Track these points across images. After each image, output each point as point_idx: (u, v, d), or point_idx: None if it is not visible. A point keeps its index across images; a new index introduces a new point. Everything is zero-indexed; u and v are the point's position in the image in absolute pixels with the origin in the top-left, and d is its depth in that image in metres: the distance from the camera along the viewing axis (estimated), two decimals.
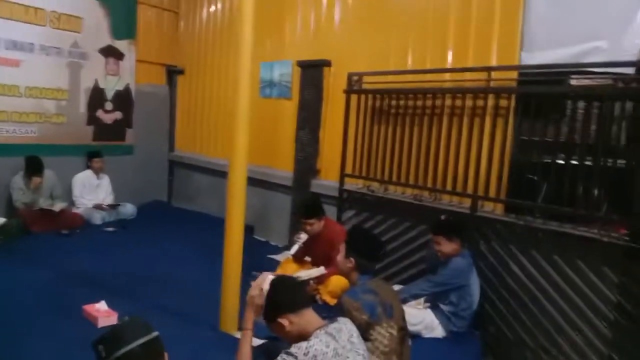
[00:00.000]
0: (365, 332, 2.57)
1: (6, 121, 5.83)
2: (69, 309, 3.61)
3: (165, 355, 1.71)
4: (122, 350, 1.59)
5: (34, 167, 5.69)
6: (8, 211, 5.62)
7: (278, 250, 5.64)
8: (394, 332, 2.63)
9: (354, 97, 4.78)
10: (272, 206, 6.04)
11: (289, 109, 5.78)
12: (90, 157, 6.41)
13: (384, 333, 2.59)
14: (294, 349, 1.98)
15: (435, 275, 3.61)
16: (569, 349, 3.35)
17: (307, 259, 4.55)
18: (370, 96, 4.67)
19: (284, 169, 5.84)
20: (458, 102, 4.09)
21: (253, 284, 2.30)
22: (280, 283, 2.20)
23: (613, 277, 3.17)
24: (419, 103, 4.35)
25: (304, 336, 2.05)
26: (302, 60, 5.43)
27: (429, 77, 4.26)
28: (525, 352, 3.56)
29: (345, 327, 2.12)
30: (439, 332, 3.54)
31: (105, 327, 3.38)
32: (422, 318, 3.53)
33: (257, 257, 4.94)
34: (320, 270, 4.10)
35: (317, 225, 4.25)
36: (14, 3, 5.74)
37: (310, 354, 1.94)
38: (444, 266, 3.57)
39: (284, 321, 2.08)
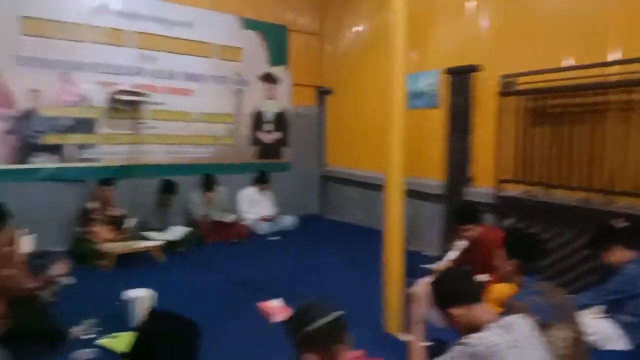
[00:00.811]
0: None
1: (184, 144, 6.66)
2: (245, 306, 4.00)
3: (348, 335, 1.83)
4: (310, 327, 1.75)
5: (208, 183, 6.42)
6: (187, 223, 6.37)
7: (430, 260, 5.61)
8: (568, 335, 2.50)
9: (507, 100, 4.64)
10: (423, 216, 6.04)
11: (436, 117, 5.79)
12: (259, 181, 7.00)
13: (558, 336, 2.47)
14: (467, 339, 1.99)
15: (606, 283, 3.33)
16: None
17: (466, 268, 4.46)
18: (525, 97, 4.50)
19: (433, 178, 5.83)
20: (627, 96, 3.77)
21: (419, 281, 2.35)
22: (454, 272, 2.23)
23: None
24: (581, 100, 4.09)
25: (474, 328, 2.04)
26: (450, 67, 5.42)
27: (589, 72, 3.99)
28: None
29: (519, 321, 2.08)
30: (622, 344, 3.24)
31: (279, 322, 3.70)
32: (599, 328, 3.27)
33: (409, 267, 4.97)
34: (483, 277, 4.01)
35: (474, 231, 4.17)
36: (190, 40, 6.58)
37: (483, 344, 1.93)
38: (616, 273, 3.29)
39: (455, 311, 2.10)
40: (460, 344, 2.01)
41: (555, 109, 4.31)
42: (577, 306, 3.35)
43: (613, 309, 3.33)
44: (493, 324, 2.02)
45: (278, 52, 7.48)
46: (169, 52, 6.44)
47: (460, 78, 5.30)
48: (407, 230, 6.04)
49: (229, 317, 3.83)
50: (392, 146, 3.52)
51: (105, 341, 3.26)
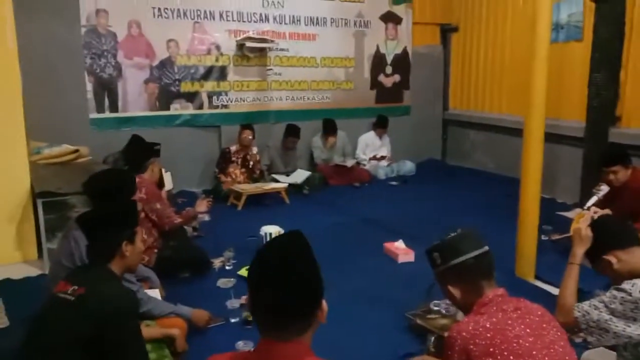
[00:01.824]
0: None
1: (307, 90, 6.75)
2: (371, 246, 4.06)
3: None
4: (457, 260, 1.69)
5: (329, 128, 6.49)
6: (310, 166, 6.54)
7: (567, 207, 5.24)
8: None
9: None
10: (559, 161, 5.60)
11: (579, 51, 5.23)
12: (378, 126, 6.92)
13: None
14: (626, 285, 1.80)
15: None
16: None
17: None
18: None
19: (572, 119, 5.34)
20: None
21: (581, 220, 2.15)
22: (607, 220, 2.04)
23: None
24: None
25: (635, 275, 1.86)
26: None
27: None
28: None
29: None
30: None
31: (404, 263, 3.72)
32: None
33: (544, 214, 4.68)
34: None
35: (622, 173, 3.75)
36: None
37: None
38: None
39: (611, 258, 1.92)
40: (617, 288, 1.83)
41: None
42: None
43: None
44: None
45: None
46: None
47: (609, 4, 4.68)
48: (542, 176, 5.72)
49: (357, 254, 3.94)
50: (534, 86, 3.25)
51: (243, 271, 3.51)
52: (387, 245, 3.91)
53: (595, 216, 2.05)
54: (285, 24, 6.47)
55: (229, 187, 5.47)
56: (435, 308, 2.71)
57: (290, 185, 5.69)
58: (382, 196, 5.87)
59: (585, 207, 4.19)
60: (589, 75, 4.98)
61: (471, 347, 1.51)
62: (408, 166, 6.92)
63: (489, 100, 6.99)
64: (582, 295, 2.27)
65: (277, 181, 5.75)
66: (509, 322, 1.56)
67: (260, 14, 6.31)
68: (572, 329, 1.93)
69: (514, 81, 6.19)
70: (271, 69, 6.45)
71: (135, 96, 5.77)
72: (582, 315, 1.87)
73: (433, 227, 4.56)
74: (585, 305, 1.89)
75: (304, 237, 1.23)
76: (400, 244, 3.83)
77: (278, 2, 6.38)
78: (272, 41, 6.27)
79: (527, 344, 1.51)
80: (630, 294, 1.78)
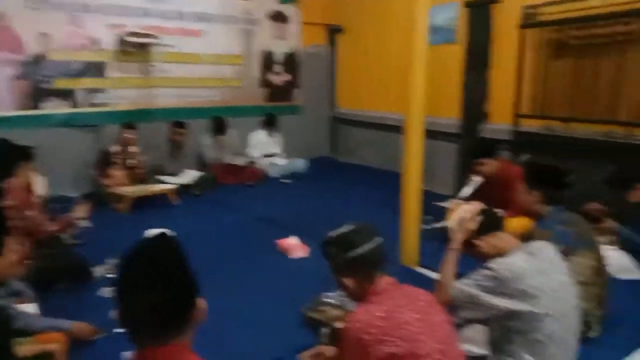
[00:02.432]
0: None
1: (193, 87, 6.56)
2: (263, 244, 4.05)
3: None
4: (353, 253, 1.75)
5: (219, 126, 6.37)
6: (200, 166, 6.37)
7: (444, 198, 5.61)
8: (593, 262, 2.51)
9: (529, 32, 4.49)
10: (436, 155, 5.97)
11: (454, 53, 5.62)
12: (267, 124, 6.91)
13: (582, 262, 2.48)
14: (491, 263, 1.98)
15: None
16: None
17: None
18: (548, 29, 4.34)
19: (447, 117, 5.74)
20: None
21: (463, 208, 2.30)
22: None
23: None
24: (605, 30, 3.94)
25: (500, 255, 2.04)
26: (469, 0, 5.21)
27: (613, 0, 3.81)
28: None
29: (546, 247, 2.07)
30: (637, 273, 3.27)
31: (297, 259, 3.76)
32: (617, 259, 3.29)
33: (424, 205, 5.00)
34: (498, 213, 4.00)
35: (490, 165, 4.12)
36: None
37: (509, 268, 1.92)
38: None
39: (481, 242, 2.10)
40: (485, 267, 2.01)
41: (578, 40, 4.16)
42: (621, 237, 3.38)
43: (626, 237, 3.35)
44: (519, 250, 2.02)
45: None
46: None
47: (480, 11, 5.11)
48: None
49: (248, 253, 3.90)
50: (413, 85, 3.43)
51: None
52: (280, 241, 3.92)
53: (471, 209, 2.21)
54: (169, 18, 6.24)
55: (112, 190, 5.16)
56: (328, 300, 2.77)
57: (181, 186, 5.51)
58: (275, 194, 5.88)
59: (460, 197, 4.56)
60: (462, 76, 5.40)
61: (364, 336, 1.59)
62: (299, 164, 6.99)
63: (374, 99, 7.27)
64: (460, 278, 2.46)
65: (164, 183, 5.52)
66: (399, 308, 1.65)
67: (144, 9, 6.02)
68: (454, 310, 2.08)
69: (397, 81, 6.48)
70: (155, 66, 6.19)
71: (2, 94, 5.23)
72: (456, 292, 2.03)
73: (325, 223, 4.58)
74: (458, 283, 2.05)
75: (171, 237, 1.20)
76: (292, 240, 3.87)
77: None
78: (155, 36, 6.00)
79: (414, 329, 1.61)
80: (495, 271, 1.95)
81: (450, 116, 5.67)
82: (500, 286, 1.92)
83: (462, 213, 2.21)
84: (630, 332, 2.76)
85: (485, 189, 4.29)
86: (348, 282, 1.80)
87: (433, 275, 3.42)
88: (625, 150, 3.62)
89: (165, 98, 6.33)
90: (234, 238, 4.29)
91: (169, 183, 5.48)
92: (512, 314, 1.91)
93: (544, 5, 4.36)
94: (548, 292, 1.89)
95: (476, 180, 4.37)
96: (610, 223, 3.57)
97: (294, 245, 3.82)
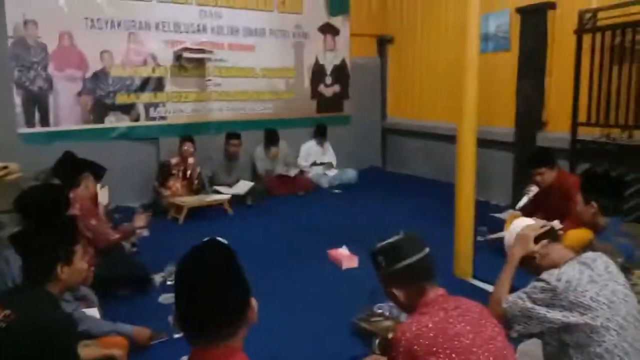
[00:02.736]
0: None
1: (247, 100, 6.74)
2: (314, 254, 4.09)
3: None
4: (401, 264, 1.74)
5: (271, 139, 6.50)
6: (253, 177, 6.51)
7: (500, 209, 5.49)
8: None
9: (586, 38, 4.35)
10: (492, 165, 5.86)
11: (507, 61, 5.51)
12: (318, 134, 7.02)
13: None
14: (545, 275, 1.92)
15: None
16: None
17: (537, 216, 4.32)
18: (607, 33, 4.18)
19: (502, 126, 5.62)
20: None
21: (521, 223, 2.25)
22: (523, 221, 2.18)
23: None
24: None
25: (554, 267, 1.97)
26: (522, 7, 5.11)
27: None
28: None
29: (600, 258, 1.99)
30: None
31: (348, 269, 3.77)
32: None
33: (479, 217, 4.89)
34: (555, 224, 3.87)
35: (548, 175, 4.00)
36: None
37: (562, 280, 1.86)
38: None
39: (535, 254, 2.05)
40: (538, 279, 1.95)
41: (638, 44, 3.99)
42: None
43: None
44: (573, 261, 1.95)
45: (338, 1, 7.31)
46: (230, 7, 6.44)
47: (534, 17, 4.99)
48: (476, 180, 5.97)
49: (301, 262, 3.95)
50: (466, 93, 3.40)
51: None
52: (331, 252, 3.95)
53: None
54: (223, 34, 6.45)
55: (170, 200, 5.36)
56: (379, 311, 2.77)
57: (233, 196, 5.65)
58: (326, 204, 5.93)
59: (517, 208, 4.44)
60: (516, 84, 5.28)
61: (415, 347, 1.57)
62: (350, 174, 7.01)
63: (425, 108, 7.22)
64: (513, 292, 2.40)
65: (219, 193, 5.69)
66: (450, 320, 1.62)
67: (198, 25, 6.26)
68: (509, 325, 2.03)
69: (448, 90, 6.44)
70: (210, 80, 6.40)
71: (67, 109, 5.56)
72: (509, 306, 1.97)
73: (375, 233, 4.61)
74: (511, 296, 1.99)
75: (222, 242, 1.26)
76: (344, 250, 3.89)
77: (216, 12, 6.36)
78: (210, 52, 6.23)
79: (467, 341, 1.58)
80: (548, 283, 1.89)
81: (505, 125, 5.55)
82: (554, 298, 1.86)
83: (520, 228, 2.16)
84: None
85: (543, 200, 4.17)
86: (398, 292, 1.79)
87: (487, 287, 3.36)
88: None
89: (220, 111, 6.54)
90: (285, 247, 4.36)
91: (223, 193, 5.64)
92: (567, 327, 1.84)
93: (601, 9, 4.20)
94: (604, 302, 1.82)
95: (533, 190, 4.25)
96: None
97: (344, 256, 3.83)
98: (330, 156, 7.12)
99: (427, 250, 1.79)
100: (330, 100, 7.49)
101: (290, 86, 7.08)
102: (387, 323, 2.63)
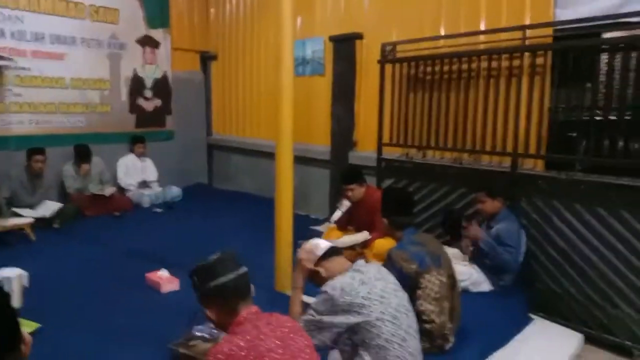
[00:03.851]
0: (415, 281, 2.71)
1: (55, 112, 6.14)
2: (132, 279, 3.85)
3: (252, 287, 1.89)
4: (215, 282, 1.79)
5: (82, 155, 5.99)
6: (62, 198, 5.92)
7: (319, 222, 5.81)
8: (444, 279, 2.76)
9: (388, 67, 4.85)
10: (311, 181, 6.19)
11: (323, 84, 5.90)
12: (134, 142, 6.69)
13: (434, 280, 2.72)
14: (324, 287, 2.19)
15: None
16: (617, 297, 3.41)
17: (350, 227, 4.67)
18: (405, 65, 4.74)
19: (320, 144, 5.98)
20: (494, 64, 4.13)
21: (303, 248, 2.45)
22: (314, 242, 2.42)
23: None
24: (455, 67, 4.40)
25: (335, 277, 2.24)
26: (334, 35, 5.53)
27: (463, 40, 4.30)
28: (572, 304, 3.62)
29: (372, 264, 2.34)
30: (485, 286, 3.65)
31: (168, 293, 3.63)
32: (469, 274, 3.64)
33: (299, 230, 5.11)
34: (365, 235, 4.25)
35: (358, 191, 4.37)
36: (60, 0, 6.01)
37: (337, 287, 2.13)
38: (502, 229, 3.63)
39: (319, 268, 2.29)
40: (320, 292, 2.20)
41: (430, 75, 4.59)
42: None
43: (475, 256, 3.73)
44: (349, 269, 2.24)
45: (159, 14, 7.07)
46: (33, 11, 5.82)
47: (344, 45, 5.43)
48: (296, 195, 6.21)
49: (117, 289, 3.68)
50: (282, 113, 3.54)
51: None
52: (149, 275, 3.76)
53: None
54: (26, 40, 5.80)
55: None
56: (198, 334, 2.72)
57: (38, 220, 5.06)
58: (146, 225, 5.61)
59: (332, 221, 4.76)
60: (331, 106, 5.67)
61: None
62: (174, 191, 6.79)
63: (248, 125, 7.35)
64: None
65: (20, 216, 5.05)
66: (262, 337, 1.68)
67: None
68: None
69: (269, 108, 6.64)
70: (9, 90, 5.70)
71: None
72: (304, 324, 2.16)
73: (197, 252, 4.48)
74: (304, 316, 2.23)
75: None
76: (163, 273, 3.73)
77: (16, 16, 5.69)
78: (9, 59, 5.55)
79: (277, 356, 1.65)
80: (327, 293, 2.15)
81: (323, 143, 5.90)
82: (335, 305, 2.11)
83: (307, 251, 2.37)
84: (482, 341, 3.05)
85: (354, 213, 4.54)
86: (211, 312, 1.83)
87: (307, 298, 3.52)
88: (472, 174, 4.04)
89: (21, 124, 5.85)
90: (99, 274, 4.02)
91: (25, 217, 5.02)
92: (352, 328, 2.09)
93: (399, 43, 4.75)
94: (375, 299, 2.11)
95: (345, 204, 4.60)
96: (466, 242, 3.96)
97: (163, 279, 3.68)
98: (151, 173, 6.81)
99: (241, 270, 1.86)
100: (152, 115, 7.19)
101: (106, 99, 6.63)
102: (206, 345, 2.59)
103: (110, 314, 3.29)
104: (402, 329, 2.12)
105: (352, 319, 2.07)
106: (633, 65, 3.34)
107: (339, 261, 2.31)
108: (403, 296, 2.27)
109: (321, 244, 2.37)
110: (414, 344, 2.17)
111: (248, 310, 1.80)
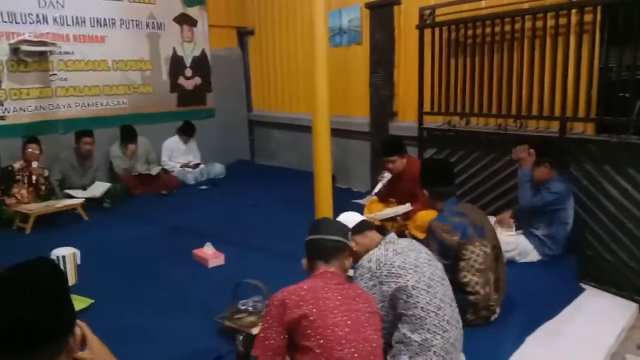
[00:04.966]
0: (458, 252, 2.66)
1: (99, 95, 6.30)
2: (180, 255, 3.96)
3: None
4: (309, 237, 2.08)
5: (128, 135, 6.14)
6: (110, 178, 6.12)
7: (361, 195, 5.78)
8: (488, 250, 2.69)
9: (427, 33, 4.70)
10: (352, 154, 6.14)
11: (361, 54, 5.79)
12: (184, 133, 6.75)
13: (478, 252, 2.66)
14: (360, 262, 2.23)
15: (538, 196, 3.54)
16: None
17: (392, 199, 4.61)
18: (445, 29, 4.57)
19: (360, 116, 5.90)
20: (539, 24, 3.92)
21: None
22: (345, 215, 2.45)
23: None
24: (497, 29, 4.21)
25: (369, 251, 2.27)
26: (371, 2, 5.38)
27: (506, 0, 4.09)
28: (625, 272, 3.48)
29: (404, 239, 2.37)
30: (534, 256, 3.54)
31: (215, 267, 3.71)
32: (516, 244, 3.54)
33: (342, 204, 5.08)
34: (407, 207, 4.19)
35: (399, 162, 4.29)
36: None
37: (373, 260, 2.19)
38: (544, 189, 3.50)
39: (351, 243, 2.25)
40: (356, 268, 2.24)
41: (472, 39, 4.41)
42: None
43: (531, 225, 3.61)
44: (381, 242, 2.27)
45: None
46: None
47: (382, 12, 5.29)
48: (338, 169, 6.21)
49: (166, 266, 3.79)
50: (318, 85, 3.48)
51: None
52: (196, 252, 3.86)
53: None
54: (68, 25, 5.95)
55: (15, 209, 4.83)
56: (243, 307, 2.76)
57: (89, 200, 5.26)
58: (192, 202, 5.75)
59: (373, 194, 4.72)
60: (369, 76, 5.56)
61: (287, 300, 1.83)
62: (218, 169, 6.90)
63: (288, 100, 7.33)
64: None
65: (72, 197, 5.26)
66: (326, 289, 1.89)
67: (38, 15, 5.70)
68: None
69: (307, 82, 6.58)
70: (55, 75, 5.88)
71: None
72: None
73: (241, 228, 4.70)
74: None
75: (47, 261, 1.17)
76: (209, 249, 3.81)
77: (57, 2, 5.83)
78: (53, 44, 5.71)
79: (332, 305, 1.83)
80: (364, 267, 2.20)
81: (363, 115, 5.82)
82: (373, 277, 2.15)
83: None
84: (530, 312, 2.98)
85: (396, 185, 4.47)
86: (304, 261, 2.09)
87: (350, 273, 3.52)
88: (517, 141, 3.88)
89: (69, 108, 6.04)
90: (148, 251, 4.15)
91: (77, 197, 5.22)
92: (391, 299, 2.11)
93: (438, 6, 4.57)
94: (410, 268, 2.13)
95: (387, 176, 4.53)
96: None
97: (210, 255, 3.76)
98: (195, 154, 6.92)
99: (333, 237, 2.03)
100: (192, 94, 7.27)
101: (147, 79, 6.74)
102: (251, 319, 2.64)
103: (160, 289, 3.41)
104: (437, 298, 2.10)
105: (391, 287, 2.10)
106: None
107: (370, 236, 2.32)
108: (437, 265, 2.27)
109: (353, 218, 2.35)
110: (450, 313, 2.15)
111: (325, 268, 1.99)
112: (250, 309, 2.74)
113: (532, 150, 3.58)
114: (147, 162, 6.38)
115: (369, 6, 5.40)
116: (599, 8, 3.55)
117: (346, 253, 2.07)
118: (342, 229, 2.13)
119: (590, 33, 3.64)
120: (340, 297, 1.86)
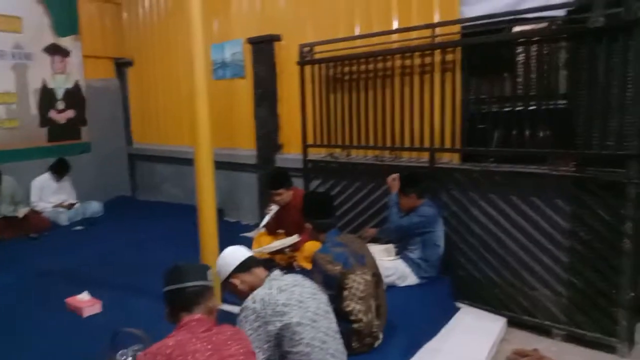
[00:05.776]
0: (341, 281, 2.74)
1: None
2: (53, 304, 3.64)
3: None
4: (166, 288, 2.01)
5: None
6: None
7: (250, 228, 5.74)
8: (368, 277, 2.81)
9: (307, 69, 4.86)
10: (240, 186, 6.11)
11: (245, 87, 5.83)
12: (57, 171, 6.27)
13: (359, 280, 2.76)
14: (244, 303, 2.19)
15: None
16: (533, 279, 3.60)
17: (280, 231, 4.65)
18: (323, 65, 4.76)
19: (247, 148, 5.91)
20: (407, 62, 4.24)
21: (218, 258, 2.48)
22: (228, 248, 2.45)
23: (565, 207, 3.42)
24: (370, 67, 4.47)
25: (254, 290, 2.25)
26: (252, 37, 5.47)
27: (377, 40, 4.38)
28: (493, 289, 3.80)
29: (288, 275, 2.37)
30: (412, 279, 3.74)
31: (91, 316, 3.45)
32: (394, 269, 3.72)
33: (230, 237, 5.01)
34: (294, 238, 4.24)
35: (285, 195, 4.36)
36: None
37: (257, 300, 2.16)
38: (413, 213, 3.76)
39: (235, 280, 2.30)
40: (241, 310, 2.20)
41: (348, 75, 4.64)
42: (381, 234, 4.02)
43: (404, 247, 3.83)
44: (266, 280, 2.27)
45: (66, 21, 6.69)
46: None
47: (263, 47, 5.39)
48: (226, 202, 6.13)
49: (35, 317, 3.46)
50: (198, 118, 3.46)
51: None
52: (69, 300, 3.56)
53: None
54: None
55: None
56: (122, 358, 2.60)
57: None
58: (65, 244, 5.28)
59: (261, 226, 4.72)
60: (254, 109, 5.62)
61: None
62: (94, 207, 6.44)
63: (171, 132, 7.12)
64: None
65: None
66: (193, 340, 1.79)
67: None
68: None
69: (191, 114, 6.45)
70: None
71: None
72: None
73: (121, 270, 4.42)
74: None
75: None
76: (84, 296, 3.54)
77: None
78: None
79: (202, 357, 1.73)
80: (248, 308, 2.16)
81: (250, 148, 5.83)
82: (259, 318, 2.12)
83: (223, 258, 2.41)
84: (410, 335, 3.12)
85: (283, 217, 4.52)
86: (166, 311, 2.00)
87: (234, 309, 3.45)
88: (393, 171, 4.12)
89: None
90: (14, 301, 3.76)
91: None
92: (277, 337, 2.10)
93: (316, 44, 4.77)
94: (294, 304, 2.14)
95: (274, 209, 4.57)
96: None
97: (84, 303, 3.49)
98: (69, 193, 6.44)
99: (192, 283, 1.96)
100: (65, 127, 6.81)
101: (13, 113, 6.21)
102: None
103: (30, 341, 3.13)
104: (321, 332, 2.15)
105: (277, 325, 2.09)
106: (533, 57, 3.54)
107: (256, 273, 2.31)
108: (321, 298, 2.31)
109: (238, 254, 2.35)
110: (335, 345, 2.20)
111: (190, 317, 1.90)
112: (130, 359, 2.59)
113: (396, 175, 3.94)
114: (13, 203, 5.81)
115: (250, 41, 5.49)
116: (459, 49, 3.93)
117: (208, 294, 1.99)
118: (200, 270, 2.05)
119: (452, 71, 4.00)
120: (209, 346, 1.78)
